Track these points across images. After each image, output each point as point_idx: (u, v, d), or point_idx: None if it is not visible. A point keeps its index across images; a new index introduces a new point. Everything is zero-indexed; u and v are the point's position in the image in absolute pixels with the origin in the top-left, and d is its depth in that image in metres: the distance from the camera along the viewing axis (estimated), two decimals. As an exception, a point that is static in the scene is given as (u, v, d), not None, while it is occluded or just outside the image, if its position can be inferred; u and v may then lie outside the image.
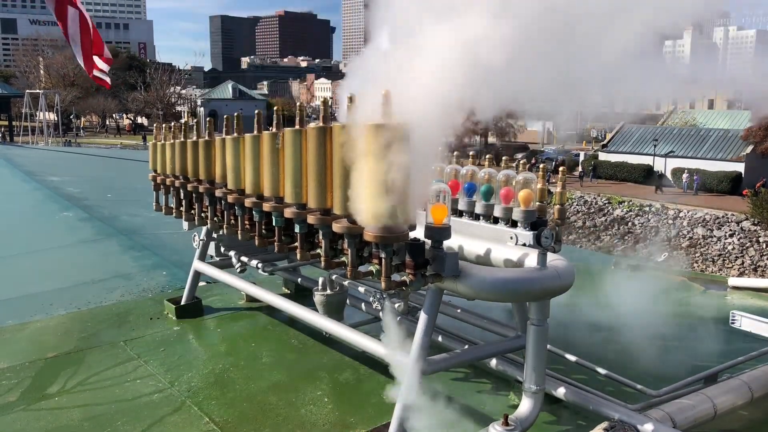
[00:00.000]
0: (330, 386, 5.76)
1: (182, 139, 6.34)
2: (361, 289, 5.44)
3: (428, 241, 4.24)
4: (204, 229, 7.11)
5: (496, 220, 5.01)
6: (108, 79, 14.34)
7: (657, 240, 42.63)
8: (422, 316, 4.49)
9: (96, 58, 13.45)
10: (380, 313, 5.75)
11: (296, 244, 4.91)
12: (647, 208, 45.31)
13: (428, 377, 4.77)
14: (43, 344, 6.82)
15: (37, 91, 77.26)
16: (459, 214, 5.22)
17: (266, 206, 5.12)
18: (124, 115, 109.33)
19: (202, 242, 7.30)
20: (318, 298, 5.87)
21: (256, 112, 5.34)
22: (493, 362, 5.27)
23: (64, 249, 11.66)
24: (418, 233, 4.28)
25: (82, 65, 13.42)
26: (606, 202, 47.60)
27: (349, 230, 4.28)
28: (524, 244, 4.74)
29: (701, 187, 48.85)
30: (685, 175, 49.76)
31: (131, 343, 6.81)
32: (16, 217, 15.23)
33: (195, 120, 6.56)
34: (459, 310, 5.86)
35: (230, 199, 5.58)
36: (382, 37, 4.63)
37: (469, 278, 4.23)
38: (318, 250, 4.77)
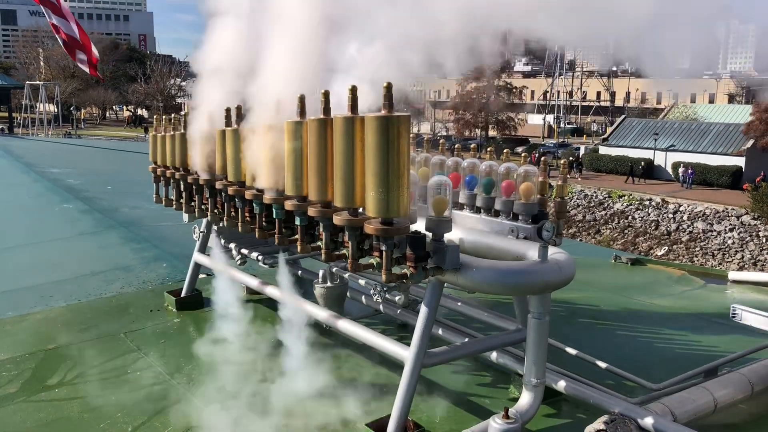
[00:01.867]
0: (331, 379, 5.75)
1: (182, 131, 6.32)
2: (362, 281, 5.42)
3: (429, 234, 4.22)
4: (204, 221, 7.10)
5: (497, 213, 4.99)
6: (86, 68, 15.11)
7: (657, 234, 42.70)
8: (423, 309, 4.48)
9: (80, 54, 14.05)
10: (380, 306, 5.76)
11: (297, 236, 4.90)
12: (647, 202, 45.33)
13: (428, 370, 4.78)
14: (43, 336, 6.82)
15: (37, 82, 77.14)
16: (460, 207, 5.21)
17: (266, 198, 5.10)
18: (125, 107, 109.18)
19: (203, 234, 7.29)
20: (318, 290, 5.87)
21: (257, 104, 5.31)
22: (493, 355, 5.26)
23: (64, 241, 11.65)
24: (419, 226, 4.26)
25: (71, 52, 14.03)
26: (606, 196, 47.65)
27: (349, 223, 4.26)
28: (525, 237, 4.73)
29: (696, 181, 48.89)
30: (681, 169, 49.91)
31: (131, 335, 6.81)
32: (16, 208, 15.22)
33: None
34: (459, 303, 5.86)
35: (230, 191, 5.56)
36: None
37: (470, 271, 4.22)
38: (318, 243, 4.75)
